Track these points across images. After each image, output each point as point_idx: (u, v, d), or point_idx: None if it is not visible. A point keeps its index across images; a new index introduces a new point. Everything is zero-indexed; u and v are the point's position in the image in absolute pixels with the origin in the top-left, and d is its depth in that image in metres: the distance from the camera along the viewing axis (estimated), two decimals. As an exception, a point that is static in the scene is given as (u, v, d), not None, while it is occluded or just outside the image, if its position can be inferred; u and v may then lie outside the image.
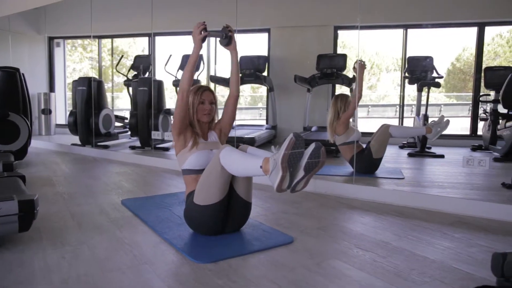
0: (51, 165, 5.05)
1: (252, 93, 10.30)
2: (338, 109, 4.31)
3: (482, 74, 6.21)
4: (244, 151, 2.24)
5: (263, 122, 7.61)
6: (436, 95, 8.98)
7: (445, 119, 4.48)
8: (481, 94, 6.26)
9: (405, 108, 7.17)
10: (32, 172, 4.51)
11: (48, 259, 2.05)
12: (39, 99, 8.09)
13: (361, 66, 4.16)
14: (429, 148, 5.73)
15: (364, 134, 4.45)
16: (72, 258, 2.06)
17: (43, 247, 2.21)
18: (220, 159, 2.13)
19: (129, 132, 6.83)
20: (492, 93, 5.94)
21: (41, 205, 2.52)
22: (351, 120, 4.35)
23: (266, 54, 7.27)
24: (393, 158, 5.39)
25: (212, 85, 7.34)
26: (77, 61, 10.21)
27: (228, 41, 2.53)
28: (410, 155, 5.52)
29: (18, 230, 2.16)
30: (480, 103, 6.19)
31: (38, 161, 5.32)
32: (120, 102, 9.83)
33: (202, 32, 2.38)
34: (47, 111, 8.11)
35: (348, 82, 6.19)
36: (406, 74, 6.33)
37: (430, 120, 5.63)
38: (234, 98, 2.64)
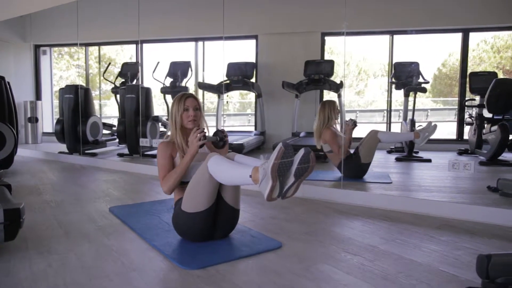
0: (38, 173, 5.01)
1: (241, 100, 10.32)
2: (325, 116, 4.33)
3: (467, 79, 6.30)
4: (231, 159, 2.24)
5: (252, 128, 7.62)
6: (423, 100, 9.07)
7: (433, 124, 4.53)
8: (466, 99, 6.34)
9: (392, 113, 7.23)
10: (19, 181, 4.47)
11: (35, 268, 2.03)
12: (26, 108, 8.02)
13: (351, 127, 4.32)
14: (417, 152, 5.78)
15: (352, 139, 4.47)
16: (59, 267, 2.04)
17: (30, 256, 2.18)
18: (208, 168, 2.13)
19: (117, 140, 6.80)
20: (477, 98, 6.02)
21: (28, 213, 2.50)
22: (338, 128, 4.40)
23: (254, 60, 7.30)
24: (381, 162, 5.43)
25: (200, 92, 7.36)
26: (64, 69, 10.14)
27: (222, 144, 2.54)
28: (397, 159, 5.57)
29: (3, 239, 2.13)
30: (465, 107, 6.27)
31: (24, 170, 5.26)
32: (108, 110, 9.78)
33: (201, 140, 2.34)
34: (33, 120, 8.04)
35: (335, 87, 6.23)
36: (393, 80, 6.39)
37: (417, 125, 5.69)
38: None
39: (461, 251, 2.27)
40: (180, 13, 7.45)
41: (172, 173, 2.36)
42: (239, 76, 6.70)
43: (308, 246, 2.37)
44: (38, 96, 8.67)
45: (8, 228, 2.12)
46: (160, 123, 6.37)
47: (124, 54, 9.72)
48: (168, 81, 6.69)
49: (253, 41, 7.38)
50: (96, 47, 8.90)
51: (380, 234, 2.59)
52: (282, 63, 7.16)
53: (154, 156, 5.77)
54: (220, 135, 2.53)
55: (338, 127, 4.43)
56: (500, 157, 5.10)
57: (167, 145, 2.44)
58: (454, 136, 6.70)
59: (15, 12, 6.53)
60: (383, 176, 4.40)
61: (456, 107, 6.96)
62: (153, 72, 6.80)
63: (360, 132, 4.55)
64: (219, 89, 6.89)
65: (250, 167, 2.03)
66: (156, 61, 6.87)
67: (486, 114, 5.47)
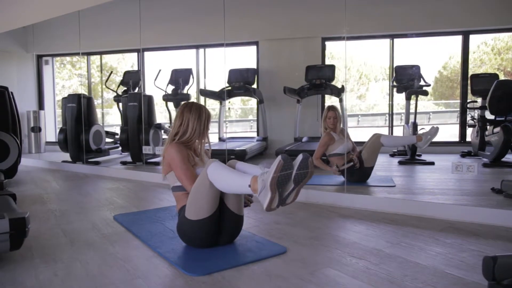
0: (41, 182, 5.02)
1: (242, 106, 10.35)
2: (323, 123, 4.38)
3: (469, 82, 6.30)
4: (232, 167, 2.25)
5: (254, 134, 7.63)
6: (425, 103, 9.08)
7: (435, 126, 4.54)
8: (468, 101, 6.34)
9: (394, 116, 7.23)
10: (23, 190, 4.48)
11: (41, 276, 2.03)
12: (29, 117, 8.05)
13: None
14: (419, 155, 5.77)
15: (355, 143, 4.47)
16: (65, 275, 2.04)
17: (35, 265, 2.19)
18: (208, 175, 2.13)
19: (120, 148, 6.81)
20: (479, 99, 6.02)
21: (33, 223, 2.51)
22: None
23: (255, 66, 7.31)
24: (384, 166, 5.42)
25: (202, 99, 7.38)
26: (66, 78, 10.19)
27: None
28: (400, 163, 5.56)
29: (9, 248, 2.14)
30: (467, 110, 6.27)
31: (28, 179, 5.28)
32: (111, 118, 9.81)
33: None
34: (37, 129, 8.07)
35: (337, 92, 6.24)
36: (394, 83, 6.39)
37: (419, 128, 5.68)
38: None
39: (467, 253, 2.26)
40: (181, 20, 7.49)
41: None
42: (240, 83, 6.71)
43: (313, 251, 2.36)
44: (41, 105, 8.70)
45: (14, 238, 2.13)
46: (162, 131, 6.38)
47: (126, 62, 9.77)
48: (170, 89, 6.71)
49: (254, 47, 7.40)
50: (98, 56, 8.95)
51: (385, 237, 2.59)
52: (283, 68, 7.18)
53: (157, 163, 5.78)
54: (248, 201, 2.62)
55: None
56: (503, 159, 5.09)
57: (181, 146, 2.43)
58: (456, 139, 6.69)
59: (18, 23, 6.57)
60: (386, 179, 4.40)
61: (458, 109, 6.95)
62: (155, 80, 6.82)
63: (362, 136, 4.55)
64: (221, 96, 6.91)
65: (249, 176, 2.04)
66: (158, 69, 6.89)
67: (489, 115, 5.47)
